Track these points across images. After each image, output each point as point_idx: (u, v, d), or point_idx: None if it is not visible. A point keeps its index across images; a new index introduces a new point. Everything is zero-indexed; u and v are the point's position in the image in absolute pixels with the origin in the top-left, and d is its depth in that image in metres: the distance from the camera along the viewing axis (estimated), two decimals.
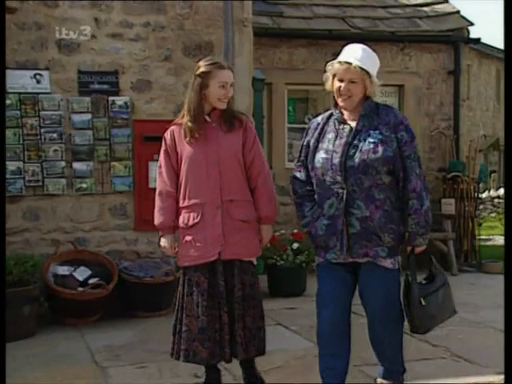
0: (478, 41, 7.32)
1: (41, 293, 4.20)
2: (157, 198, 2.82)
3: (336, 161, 2.53)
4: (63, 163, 4.60)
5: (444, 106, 7.02)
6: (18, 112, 4.47)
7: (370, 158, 2.49)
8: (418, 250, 2.61)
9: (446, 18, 7.10)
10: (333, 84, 2.58)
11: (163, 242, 2.82)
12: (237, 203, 2.74)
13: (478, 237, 6.98)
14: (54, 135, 4.57)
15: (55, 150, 4.58)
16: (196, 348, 2.73)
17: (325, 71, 2.61)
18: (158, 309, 4.54)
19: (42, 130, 4.55)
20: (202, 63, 2.74)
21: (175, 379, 3.17)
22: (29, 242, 4.56)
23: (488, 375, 3.09)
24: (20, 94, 4.48)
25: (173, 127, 2.80)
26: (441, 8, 7.22)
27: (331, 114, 2.65)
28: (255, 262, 2.87)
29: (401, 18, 7.05)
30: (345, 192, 2.52)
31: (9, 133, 4.46)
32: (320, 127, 2.64)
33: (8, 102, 4.45)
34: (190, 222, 2.73)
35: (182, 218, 2.76)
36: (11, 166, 4.47)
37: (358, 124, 2.56)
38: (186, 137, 2.72)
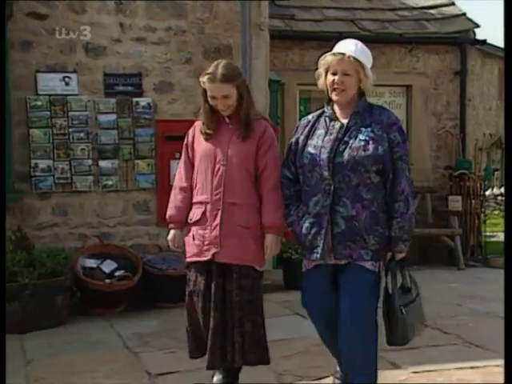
0: (484, 42, 7.51)
1: (71, 284, 4.43)
2: (172, 191, 2.85)
3: (324, 156, 2.48)
4: (90, 161, 4.82)
5: (450, 106, 7.22)
6: (48, 113, 4.70)
7: (359, 155, 2.43)
8: (399, 256, 2.52)
9: (452, 20, 7.31)
10: (326, 80, 2.52)
11: (170, 235, 2.84)
12: (240, 207, 2.70)
13: (483, 233, 7.20)
14: (82, 135, 4.80)
15: (82, 149, 4.80)
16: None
17: (316, 68, 2.54)
18: (180, 300, 4.73)
19: (71, 130, 4.77)
20: (205, 70, 2.72)
21: (205, 363, 3.39)
22: (58, 236, 4.78)
23: (497, 359, 3.27)
24: (50, 95, 4.70)
25: (196, 123, 2.84)
26: (447, 10, 7.43)
27: (322, 112, 2.61)
28: (260, 269, 2.78)
29: (409, 20, 7.26)
30: (332, 188, 2.46)
31: (40, 132, 4.69)
32: (310, 124, 2.61)
33: (39, 103, 4.68)
34: (193, 219, 2.76)
35: (190, 214, 2.79)
36: (42, 164, 4.70)
37: (349, 121, 2.51)
38: (201, 134, 2.77)
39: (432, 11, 7.38)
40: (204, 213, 2.72)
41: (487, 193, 13.51)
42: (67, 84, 4.73)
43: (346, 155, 2.45)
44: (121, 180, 4.91)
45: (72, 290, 4.39)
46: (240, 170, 2.69)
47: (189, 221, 2.78)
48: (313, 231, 2.51)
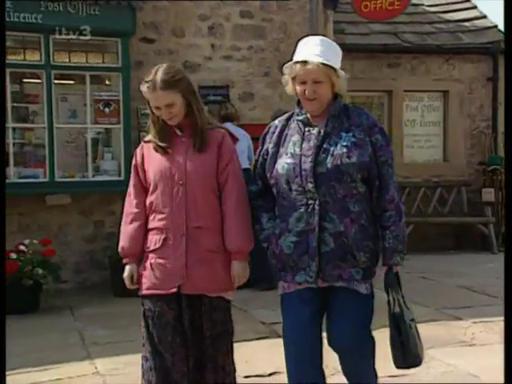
0: None
1: None
2: (123, 219, 2.49)
3: (307, 166, 2.19)
4: None
5: (483, 109, 8.06)
6: None
7: (343, 164, 2.16)
8: (395, 269, 2.24)
9: (485, 31, 8.13)
10: (294, 87, 2.24)
11: (126, 272, 2.47)
12: (205, 231, 2.36)
13: None
14: None
15: None
16: None
17: (282, 73, 2.28)
18: None
19: None
20: (144, 79, 2.40)
21: None
22: None
23: None
24: None
25: (143, 142, 2.52)
26: (480, 23, 8.27)
27: (292, 116, 2.33)
28: (230, 297, 2.45)
29: (445, 32, 8.11)
30: (317, 203, 2.18)
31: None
32: (278, 131, 2.31)
33: (147, 111, 5.56)
34: (152, 247, 2.41)
35: (147, 241, 2.44)
36: None
37: (326, 126, 2.22)
38: (155, 150, 2.42)
39: (466, 24, 8.22)
40: (165, 240, 2.37)
41: None
42: None
43: (328, 164, 2.18)
44: None
45: None
46: (202, 189, 2.37)
47: (145, 249, 2.44)
48: (298, 251, 2.20)
